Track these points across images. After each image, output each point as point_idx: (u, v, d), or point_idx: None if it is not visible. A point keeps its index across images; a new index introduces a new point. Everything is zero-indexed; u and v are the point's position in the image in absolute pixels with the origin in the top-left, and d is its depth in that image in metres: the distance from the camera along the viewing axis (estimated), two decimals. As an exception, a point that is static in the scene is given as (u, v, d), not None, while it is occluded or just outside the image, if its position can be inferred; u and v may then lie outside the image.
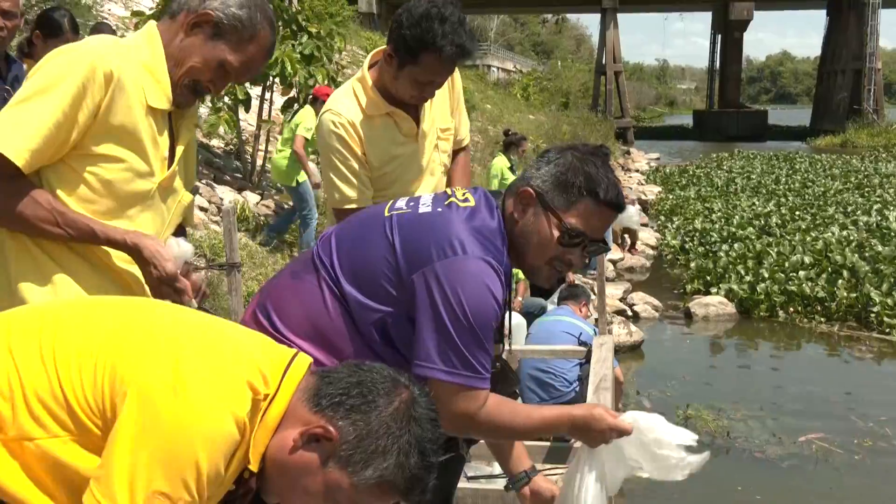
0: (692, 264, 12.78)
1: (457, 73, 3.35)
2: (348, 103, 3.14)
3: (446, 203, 2.19)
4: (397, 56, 2.96)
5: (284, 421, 1.62)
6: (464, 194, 2.23)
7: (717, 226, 15.31)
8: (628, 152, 32.53)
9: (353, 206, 3.11)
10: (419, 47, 2.90)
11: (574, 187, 2.15)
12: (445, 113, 3.36)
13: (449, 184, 3.46)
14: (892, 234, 13.66)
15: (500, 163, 11.16)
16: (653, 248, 15.08)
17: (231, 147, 11.38)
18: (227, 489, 1.63)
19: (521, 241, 2.19)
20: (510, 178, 10.79)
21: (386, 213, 2.20)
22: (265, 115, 10.51)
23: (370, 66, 3.18)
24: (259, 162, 10.68)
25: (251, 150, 10.83)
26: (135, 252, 2.24)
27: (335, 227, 2.39)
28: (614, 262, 13.18)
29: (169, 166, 2.38)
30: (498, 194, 2.26)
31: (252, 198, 9.96)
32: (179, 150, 2.41)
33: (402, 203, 2.25)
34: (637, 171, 27.52)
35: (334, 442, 1.58)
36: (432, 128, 3.30)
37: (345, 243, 2.20)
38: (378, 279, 2.10)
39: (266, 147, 10.86)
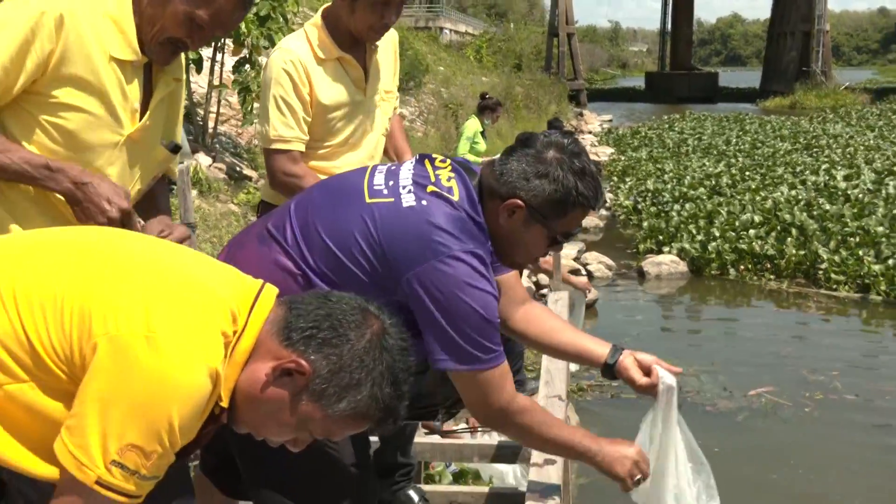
0: (644, 224, 12.92)
1: (396, 44, 3.39)
2: (300, 44, 3.12)
3: (428, 191, 2.14)
4: None
5: (254, 354, 1.61)
6: (448, 179, 2.18)
7: (668, 186, 15.46)
8: (581, 114, 32.64)
9: (285, 147, 3.08)
10: None
11: (569, 204, 2.17)
12: (390, 75, 3.36)
13: (389, 146, 3.46)
14: (840, 193, 13.91)
15: (474, 125, 11.16)
16: (606, 208, 15.19)
17: (183, 109, 11.21)
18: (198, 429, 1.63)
19: (506, 242, 2.20)
20: (481, 142, 10.88)
21: (368, 201, 2.14)
22: (217, 77, 10.37)
23: (323, 16, 3.16)
24: (211, 124, 10.55)
25: (203, 112, 10.69)
26: (86, 188, 2.15)
27: (296, 197, 2.36)
28: (568, 223, 13.25)
29: (141, 118, 2.32)
30: (472, 174, 2.23)
31: (204, 160, 9.85)
32: (153, 102, 2.34)
33: (381, 183, 2.19)
34: (590, 132, 27.64)
35: (307, 376, 1.58)
36: (378, 86, 3.29)
37: (315, 221, 2.15)
38: (354, 270, 2.08)
39: (218, 109, 10.73)
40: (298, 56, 3.08)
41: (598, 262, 11.19)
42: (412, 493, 3.29)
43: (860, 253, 10.51)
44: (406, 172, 2.20)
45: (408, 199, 2.12)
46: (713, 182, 15.56)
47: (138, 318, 1.52)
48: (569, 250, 11.27)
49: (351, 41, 3.14)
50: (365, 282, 2.07)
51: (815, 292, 10.19)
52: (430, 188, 2.15)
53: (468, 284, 2.06)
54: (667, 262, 11.11)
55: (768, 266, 10.88)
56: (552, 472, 2.50)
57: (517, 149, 2.23)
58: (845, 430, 6.44)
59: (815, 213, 12.50)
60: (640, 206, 14.57)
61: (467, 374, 2.13)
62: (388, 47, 3.33)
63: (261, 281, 1.74)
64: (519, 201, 2.15)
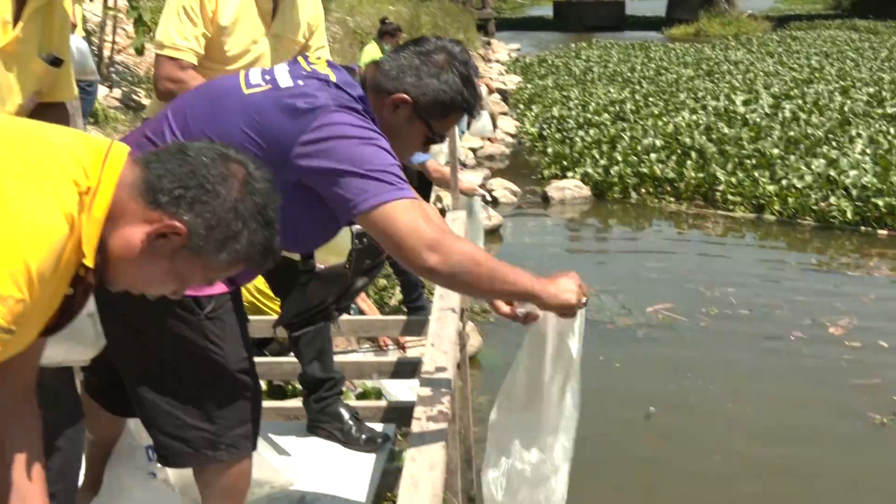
0: (549, 150, 13.05)
1: (320, 9, 3.37)
2: None
3: (306, 74, 2.17)
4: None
5: (119, 217, 1.58)
6: (324, 69, 2.20)
7: (573, 113, 15.57)
8: (489, 43, 32.41)
9: (176, 55, 3.03)
10: None
11: (454, 107, 2.24)
12: (299, 28, 3.31)
13: None
14: (738, 117, 14.21)
15: (372, 51, 11.00)
16: (512, 136, 15.26)
17: (69, 24, 10.82)
18: (65, 293, 1.61)
19: (386, 136, 2.19)
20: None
21: (245, 92, 2.15)
22: (111, 3, 10.05)
23: None
24: (107, 53, 10.23)
25: (97, 40, 10.35)
26: None
27: (171, 103, 2.32)
28: (474, 150, 13.31)
29: (14, 29, 2.22)
30: (352, 72, 2.25)
31: (101, 90, 9.56)
32: (27, 12, 2.24)
33: (257, 78, 2.20)
34: (498, 61, 27.51)
35: (184, 237, 1.58)
36: (285, 30, 3.24)
37: (196, 123, 2.13)
38: None
39: (113, 38, 10.40)
40: None
41: (504, 189, 11.28)
42: (342, 409, 3.30)
43: (756, 174, 10.81)
44: (281, 68, 2.23)
45: (285, 83, 2.15)
46: (617, 108, 15.73)
47: None
48: (472, 177, 11.32)
49: None
50: None
51: (712, 213, 10.47)
52: (310, 70, 2.19)
53: (354, 126, 2.07)
54: (570, 187, 11.26)
55: (668, 189, 11.12)
56: (442, 379, 2.55)
57: (408, 47, 2.27)
58: (738, 343, 6.72)
59: (714, 136, 12.76)
60: (545, 133, 14.67)
61: (387, 209, 2.02)
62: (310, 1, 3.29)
63: (109, 139, 1.70)
64: (407, 97, 2.20)
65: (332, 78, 2.16)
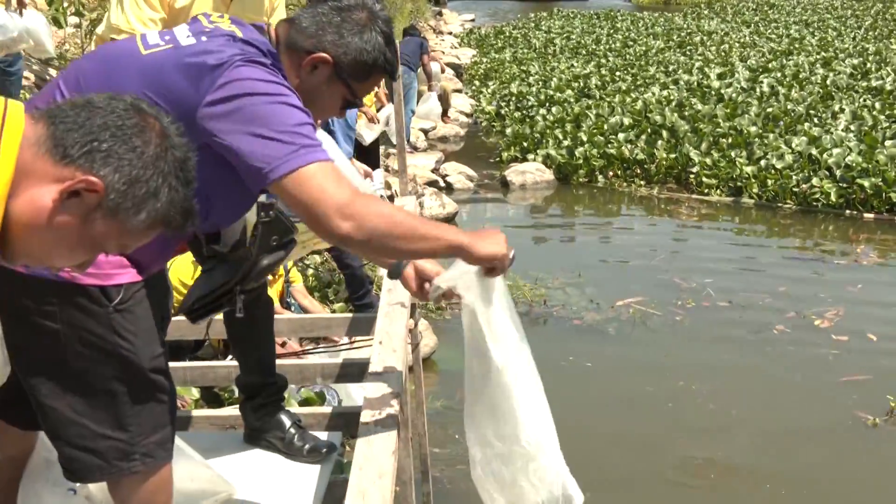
0: (508, 130, 13.12)
1: None
2: None
3: (209, 31, 2.17)
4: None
5: (22, 180, 1.54)
6: (229, 26, 2.19)
7: (534, 89, 15.65)
8: (440, 14, 32.43)
9: (115, 36, 3.02)
10: None
11: (377, 67, 2.27)
12: (262, 7, 3.32)
13: None
14: (713, 92, 14.36)
15: None
16: (467, 115, 15.29)
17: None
18: None
19: (302, 98, 2.18)
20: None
21: (143, 52, 2.14)
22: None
23: None
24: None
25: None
26: None
27: (62, 71, 2.30)
28: (426, 132, 13.31)
29: None
30: (260, 29, 2.25)
31: (6, 68, 9.43)
32: None
33: (156, 39, 2.19)
34: (450, 33, 27.54)
35: (100, 194, 1.55)
36: (245, 9, 3.26)
37: (92, 89, 2.06)
38: None
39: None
40: None
41: (459, 173, 11.30)
42: (283, 416, 3.27)
43: (732, 154, 10.94)
44: (181, 28, 2.23)
45: (187, 41, 2.14)
46: (581, 84, 15.83)
47: None
48: (425, 160, 11.35)
49: None
50: None
51: (686, 197, 10.59)
52: (212, 26, 2.19)
53: (262, 81, 2.07)
54: (532, 171, 11.31)
55: (638, 171, 11.22)
56: (391, 380, 2.56)
57: (326, 2, 2.27)
58: (718, 338, 6.80)
59: (687, 114, 12.90)
60: (503, 112, 14.73)
61: (296, 176, 2.01)
62: None
63: (3, 98, 1.63)
64: (327, 56, 2.22)
65: (238, 34, 2.16)
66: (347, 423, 3.21)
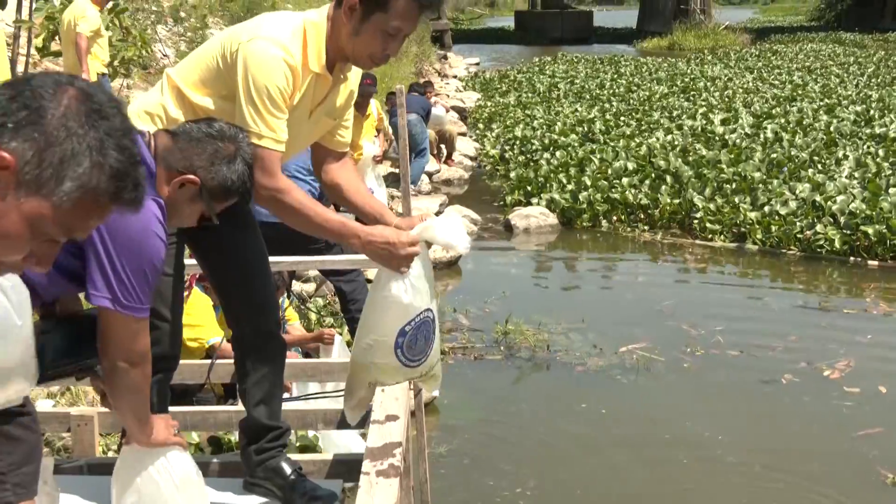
0: (512, 174, 13.14)
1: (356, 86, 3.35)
2: (296, 47, 2.98)
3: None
4: (363, 4, 2.87)
5: None
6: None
7: (538, 133, 15.71)
8: (445, 57, 32.65)
9: (276, 148, 2.97)
10: None
11: (235, 193, 2.64)
12: (336, 109, 3.29)
13: (345, 194, 3.37)
14: (717, 137, 14.42)
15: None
16: (471, 158, 15.34)
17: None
18: None
19: (168, 208, 2.53)
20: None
21: None
22: (24, 14, 10.00)
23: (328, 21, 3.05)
24: (20, 68, 10.17)
25: (11, 52, 10.28)
26: None
27: None
28: (430, 175, 13.35)
29: None
30: (142, 134, 2.56)
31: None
32: None
33: None
34: (455, 77, 27.73)
35: (13, 168, 1.44)
36: (325, 112, 3.21)
37: None
38: None
39: (28, 50, 10.36)
40: (295, 64, 2.95)
41: (463, 217, 11.29)
42: (284, 464, 3.25)
43: (736, 200, 10.95)
44: None
45: None
46: (585, 128, 15.90)
47: None
48: (429, 203, 11.37)
49: (335, 59, 3.05)
50: None
51: (690, 243, 10.59)
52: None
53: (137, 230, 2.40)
54: (535, 215, 11.32)
55: (642, 216, 11.23)
56: (394, 430, 2.54)
57: (200, 127, 2.64)
58: (728, 387, 6.75)
59: (690, 159, 12.92)
60: (507, 156, 14.79)
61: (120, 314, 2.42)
62: (353, 79, 3.26)
63: None
64: (196, 179, 2.57)
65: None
66: (349, 471, 3.19)
